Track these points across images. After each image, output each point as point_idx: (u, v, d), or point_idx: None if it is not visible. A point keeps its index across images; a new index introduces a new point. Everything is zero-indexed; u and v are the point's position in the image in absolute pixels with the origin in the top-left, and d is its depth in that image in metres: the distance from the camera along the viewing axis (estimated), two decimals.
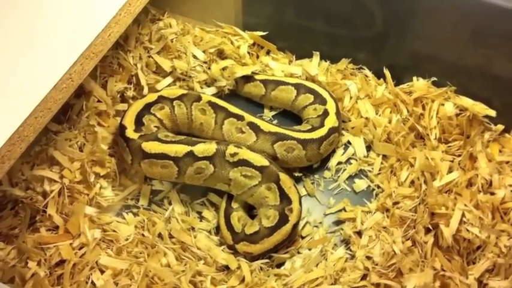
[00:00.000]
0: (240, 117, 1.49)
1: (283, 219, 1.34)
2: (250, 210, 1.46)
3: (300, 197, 1.38)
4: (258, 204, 1.40)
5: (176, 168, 1.37)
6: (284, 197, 1.36)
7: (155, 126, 1.47)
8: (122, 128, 1.43)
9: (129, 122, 1.44)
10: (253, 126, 1.47)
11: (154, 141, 1.39)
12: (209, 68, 1.68)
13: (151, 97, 1.52)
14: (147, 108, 1.49)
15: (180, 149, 1.37)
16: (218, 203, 1.47)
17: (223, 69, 1.67)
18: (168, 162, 1.37)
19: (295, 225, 1.35)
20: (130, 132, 1.41)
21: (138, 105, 1.49)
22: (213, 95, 1.64)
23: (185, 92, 1.54)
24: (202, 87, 1.67)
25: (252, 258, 1.36)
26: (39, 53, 1.25)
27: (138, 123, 1.44)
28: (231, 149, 1.37)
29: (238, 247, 1.35)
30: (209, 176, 1.38)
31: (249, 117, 1.49)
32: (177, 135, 1.46)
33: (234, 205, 1.42)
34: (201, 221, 1.45)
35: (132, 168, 1.45)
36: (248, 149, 1.40)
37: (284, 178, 1.37)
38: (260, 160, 1.38)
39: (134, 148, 1.39)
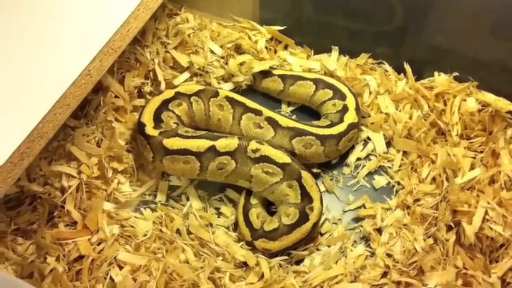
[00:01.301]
0: (258, 112, 1.47)
1: (303, 218, 1.32)
2: (269, 207, 1.45)
3: (321, 196, 1.37)
4: (278, 202, 1.39)
5: (198, 164, 1.36)
6: (305, 195, 1.34)
7: (174, 123, 1.46)
8: (141, 126, 1.42)
9: (147, 119, 1.43)
10: (271, 121, 1.46)
11: (175, 137, 1.38)
12: (226, 63, 1.67)
13: (169, 93, 1.51)
14: (164, 104, 1.48)
15: (202, 144, 1.36)
16: (236, 199, 1.46)
17: (241, 64, 1.66)
18: (190, 157, 1.36)
19: (316, 224, 1.34)
20: (150, 130, 1.40)
21: (155, 102, 1.48)
22: (231, 90, 1.63)
23: (202, 87, 1.53)
24: (219, 83, 1.67)
25: (270, 255, 1.35)
26: (58, 50, 1.25)
27: (157, 119, 1.43)
28: (253, 144, 1.36)
29: (256, 244, 1.34)
30: (231, 172, 1.37)
31: (267, 112, 1.47)
32: (197, 131, 1.45)
33: (253, 201, 1.41)
34: (219, 217, 1.44)
35: (154, 165, 1.45)
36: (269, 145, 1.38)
37: (306, 176, 1.36)
38: (282, 157, 1.36)
39: (155, 145, 1.38)
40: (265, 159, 1.36)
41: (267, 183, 1.36)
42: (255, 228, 1.35)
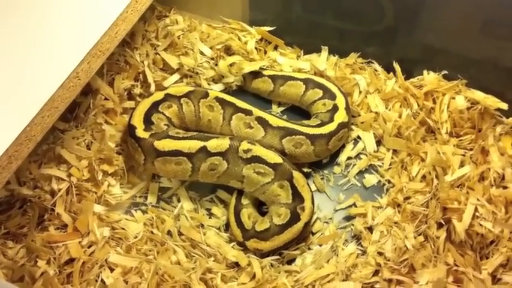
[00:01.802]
0: (248, 112, 1.48)
1: (294, 218, 1.33)
2: (260, 207, 1.45)
3: (313, 196, 1.37)
4: (270, 202, 1.39)
5: (190, 165, 1.36)
6: (296, 196, 1.34)
7: (165, 125, 1.46)
8: (131, 128, 1.42)
9: (137, 121, 1.43)
10: (261, 121, 1.46)
11: (166, 139, 1.38)
12: (216, 65, 1.67)
13: (158, 95, 1.50)
14: (154, 106, 1.47)
15: (193, 145, 1.36)
16: (227, 199, 1.46)
17: (231, 65, 1.66)
18: (182, 158, 1.36)
19: (307, 224, 1.34)
20: (141, 132, 1.40)
21: (145, 104, 1.48)
22: (221, 91, 1.63)
23: (192, 88, 1.53)
24: (209, 84, 1.67)
25: (261, 255, 1.35)
26: (46, 52, 1.24)
27: (147, 122, 1.43)
28: (244, 145, 1.36)
29: (248, 244, 1.34)
30: (223, 173, 1.37)
31: (257, 112, 1.47)
32: (188, 132, 1.45)
33: (244, 201, 1.41)
34: (210, 218, 1.44)
35: (145, 167, 1.44)
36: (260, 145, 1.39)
37: (297, 176, 1.36)
38: (273, 157, 1.36)
39: (147, 147, 1.38)
40: (257, 159, 1.36)
41: (258, 183, 1.36)
42: (246, 229, 1.35)
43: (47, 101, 1.16)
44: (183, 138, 1.38)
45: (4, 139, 1.09)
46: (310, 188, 1.37)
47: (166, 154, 1.37)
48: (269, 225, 1.34)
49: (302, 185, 1.35)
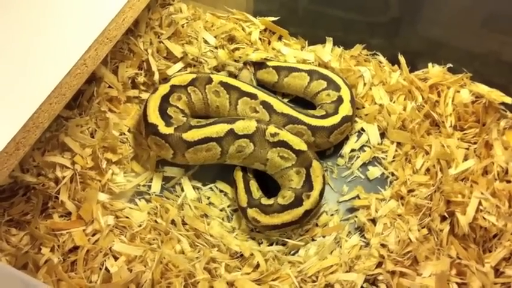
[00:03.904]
0: (253, 96, 1.48)
1: (297, 202, 1.33)
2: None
3: (323, 189, 1.37)
4: (283, 185, 1.41)
5: (219, 149, 1.38)
6: (307, 183, 1.35)
7: (183, 116, 1.45)
8: (152, 127, 1.39)
9: (155, 118, 1.40)
10: (266, 106, 1.47)
11: (192, 130, 1.37)
12: None
13: (164, 89, 1.48)
14: (165, 100, 1.45)
15: (221, 129, 1.37)
16: (226, 189, 1.47)
17: (233, 50, 1.66)
18: (211, 144, 1.37)
19: (308, 212, 1.34)
20: (164, 128, 1.38)
21: (155, 100, 1.45)
22: None
23: (195, 75, 1.52)
24: (212, 73, 1.64)
25: (258, 232, 1.37)
26: (53, 39, 1.24)
27: (165, 117, 1.41)
28: (272, 128, 1.37)
29: (249, 212, 1.35)
30: (249, 155, 1.39)
31: (262, 96, 1.48)
32: (208, 119, 1.44)
33: (250, 174, 1.44)
34: (210, 207, 1.44)
35: (174, 161, 1.44)
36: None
37: (316, 166, 1.37)
38: (299, 144, 1.38)
39: (175, 142, 1.37)
40: (283, 144, 1.37)
41: (280, 167, 1.38)
42: (253, 197, 1.37)
43: (54, 88, 1.16)
44: (207, 125, 1.39)
45: (12, 126, 1.09)
46: (324, 181, 1.38)
47: (196, 143, 1.37)
48: (273, 203, 1.35)
49: (317, 175, 1.36)
